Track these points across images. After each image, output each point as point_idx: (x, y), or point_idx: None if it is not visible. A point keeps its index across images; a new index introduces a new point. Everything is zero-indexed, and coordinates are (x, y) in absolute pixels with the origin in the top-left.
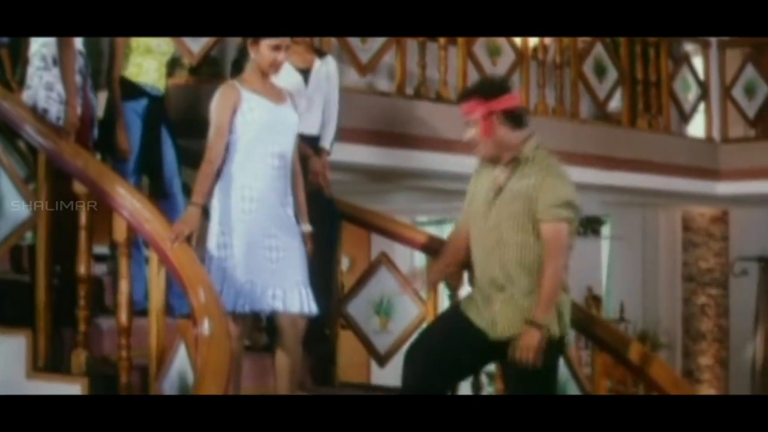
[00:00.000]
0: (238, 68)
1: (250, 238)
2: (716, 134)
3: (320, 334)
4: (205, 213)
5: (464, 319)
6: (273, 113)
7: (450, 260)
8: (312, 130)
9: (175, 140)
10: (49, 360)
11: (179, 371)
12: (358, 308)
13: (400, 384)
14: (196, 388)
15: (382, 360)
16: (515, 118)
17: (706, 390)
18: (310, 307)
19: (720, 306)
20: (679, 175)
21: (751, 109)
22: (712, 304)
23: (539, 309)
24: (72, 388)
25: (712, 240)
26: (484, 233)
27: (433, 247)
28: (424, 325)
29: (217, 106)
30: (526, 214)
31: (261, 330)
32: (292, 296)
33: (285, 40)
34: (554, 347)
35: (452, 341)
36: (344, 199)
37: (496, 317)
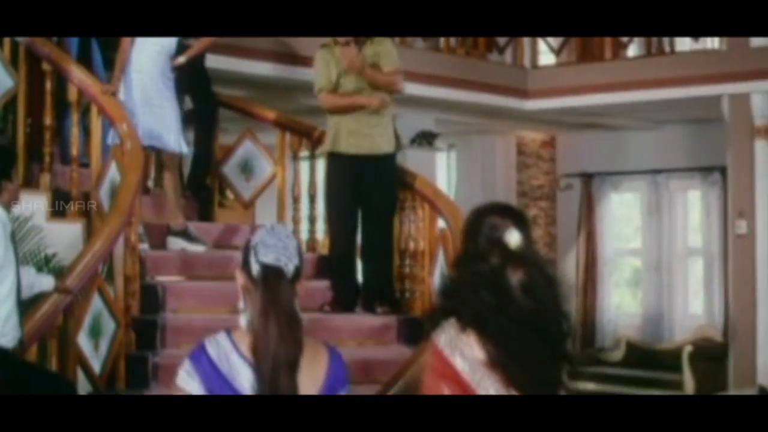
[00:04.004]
0: None
1: (143, 96)
2: (527, 62)
3: (202, 184)
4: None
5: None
6: None
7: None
8: None
9: (101, 47)
10: (25, 181)
11: (111, 179)
12: (230, 169)
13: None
14: (121, 181)
15: (247, 204)
16: None
17: None
18: (182, 147)
19: (549, 216)
20: (494, 93)
21: (557, 41)
22: (543, 215)
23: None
24: (39, 198)
25: (542, 161)
26: (353, 84)
27: (281, 122)
28: (276, 180)
29: None
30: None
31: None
32: (172, 138)
33: None
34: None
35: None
36: (220, 90)
37: (376, 139)
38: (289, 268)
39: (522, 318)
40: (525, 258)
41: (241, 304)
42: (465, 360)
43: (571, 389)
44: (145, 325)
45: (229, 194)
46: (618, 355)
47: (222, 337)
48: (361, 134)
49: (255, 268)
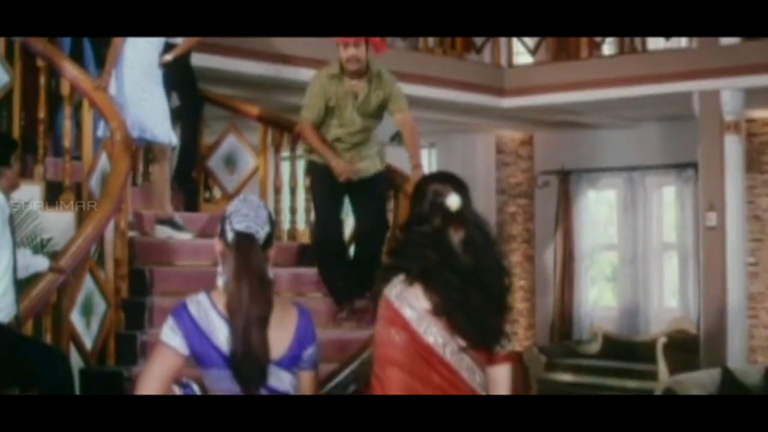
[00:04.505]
0: None
1: (134, 90)
2: (504, 61)
3: (188, 178)
4: None
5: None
6: None
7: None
8: None
9: (93, 45)
10: (20, 172)
11: (102, 169)
12: (214, 162)
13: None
14: (112, 170)
15: (231, 196)
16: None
17: (516, 282)
18: (172, 139)
19: (527, 213)
20: (472, 91)
21: (532, 41)
22: (521, 211)
23: (417, 156)
24: (33, 188)
25: (520, 159)
26: (354, 123)
27: (264, 117)
28: (259, 173)
29: None
30: (382, 110)
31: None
32: (161, 131)
33: None
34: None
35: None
36: (205, 87)
37: (366, 165)
38: (261, 234)
39: (463, 272)
40: (464, 219)
41: (219, 269)
42: (413, 310)
43: (548, 380)
44: (134, 306)
45: (216, 192)
46: (595, 347)
47: (202, 297)
48: (352, 162)
49: (230, 236)
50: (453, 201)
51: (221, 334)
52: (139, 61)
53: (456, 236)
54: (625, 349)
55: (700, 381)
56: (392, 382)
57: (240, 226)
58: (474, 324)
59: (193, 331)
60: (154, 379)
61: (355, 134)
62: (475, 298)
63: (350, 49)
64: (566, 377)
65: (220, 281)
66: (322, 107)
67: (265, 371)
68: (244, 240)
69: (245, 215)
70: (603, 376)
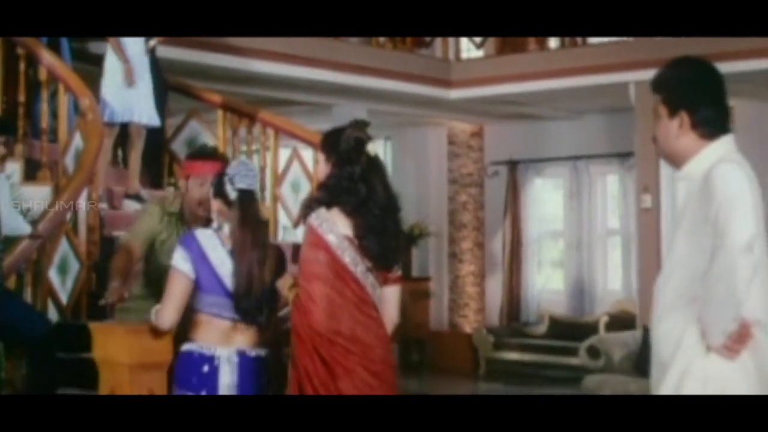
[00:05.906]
0: None
1: (122, 77)
2: (451, 55)
3: (155, 160)
4: None
5: None
6: None
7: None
8: None
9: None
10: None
11: (76, 146)
12: (178, 145)
13: None
14: (84, 147)
15: None
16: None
17: (467, 267)
18: (157, 120)
19: (477, 202)
20: (420, 83)
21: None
22: (471, 200)
23: None
24: (14, 165)
25: (471, 150)
26: None
27: (224, 104)
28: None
29: None
30: None
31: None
32: (144, 113)
33: None
34: None
35: None
36: (170, 77)
37: None
38: (256, 187)
39: (381, 204)
40: (379, 162)
41: (215, 224)
42: (334, 235)
43: (496, 358)
44: (104, 270)
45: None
46: (542, 329)
47: (210, 232)
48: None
49: (233, 194)
50: (372, 147)
51: (225, 267)
52: (133, 48)
53: (375, 176)
54: (569, 329)
55: (622, 339)
56: (315, 293)
57: (243, 185)
58: (383, 246)
59: (201, 258)
60: (173, 298)
61: None
62: (388, 225)
63: (206, 188)
64: (513, 356)
65: (226, 228)
66: (147, 241)
67: (261, 306)
68: (247, 196)
69: (245, 175)
70: (548, 354)
